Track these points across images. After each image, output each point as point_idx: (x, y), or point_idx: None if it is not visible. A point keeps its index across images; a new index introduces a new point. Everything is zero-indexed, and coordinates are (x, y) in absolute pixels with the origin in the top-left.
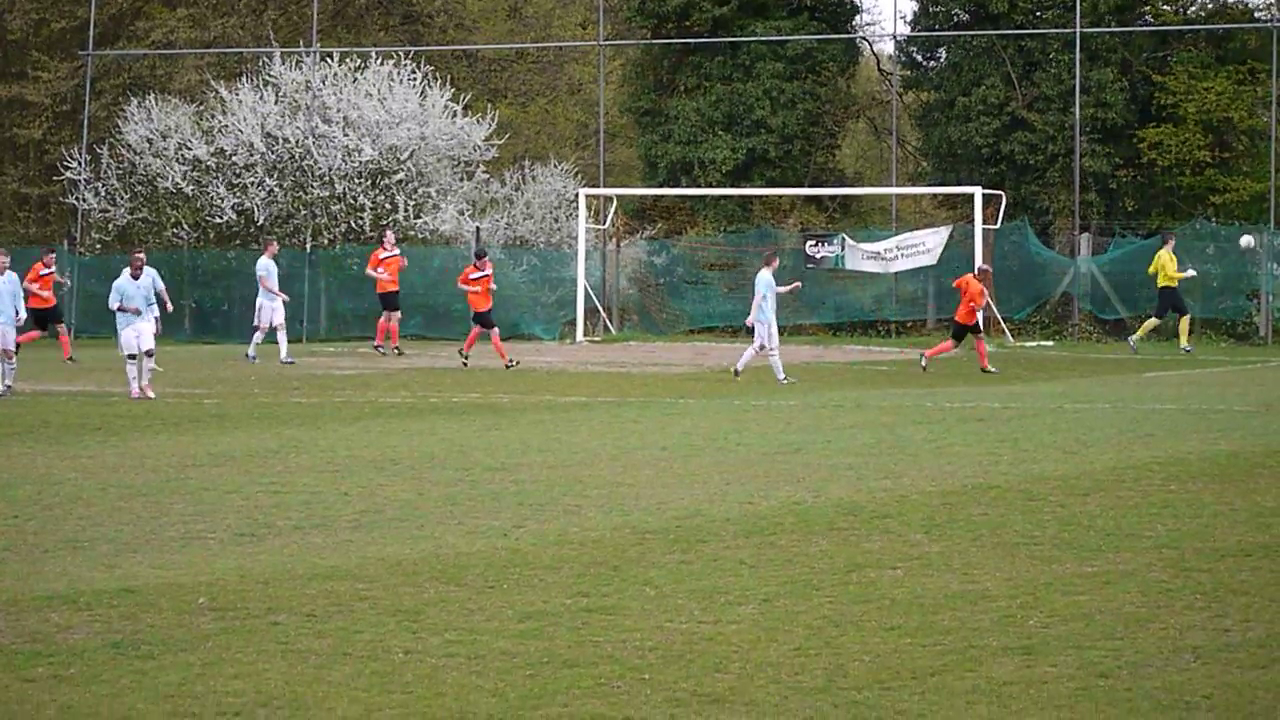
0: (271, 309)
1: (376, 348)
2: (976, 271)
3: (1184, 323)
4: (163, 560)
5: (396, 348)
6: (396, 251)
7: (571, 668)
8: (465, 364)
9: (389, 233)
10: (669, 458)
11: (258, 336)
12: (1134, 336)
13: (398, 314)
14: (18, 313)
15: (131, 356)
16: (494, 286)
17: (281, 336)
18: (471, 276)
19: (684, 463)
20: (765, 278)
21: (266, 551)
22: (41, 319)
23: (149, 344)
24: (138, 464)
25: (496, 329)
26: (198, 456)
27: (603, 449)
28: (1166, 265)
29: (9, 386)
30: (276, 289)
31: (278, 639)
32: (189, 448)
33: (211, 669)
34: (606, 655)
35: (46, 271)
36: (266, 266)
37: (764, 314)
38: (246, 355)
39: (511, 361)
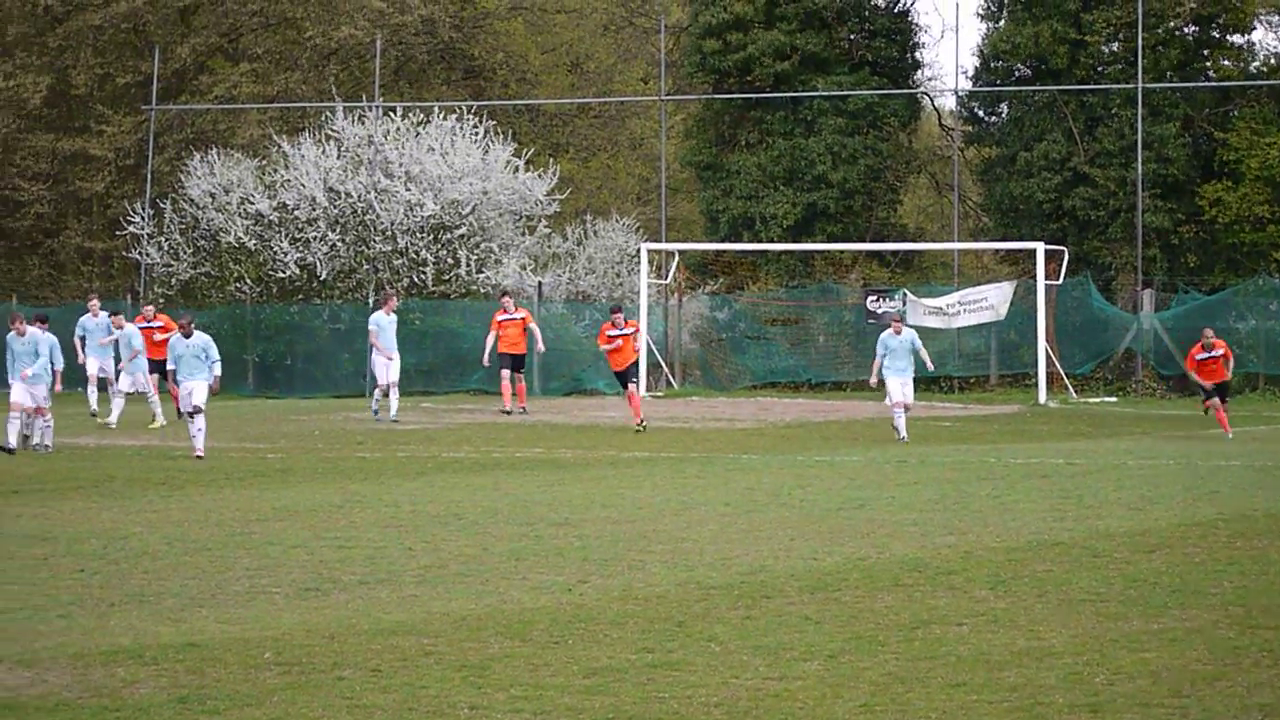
0: (385, 365)
1: (505, 411)
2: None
3: None
4: (228, 615)
5: (523, 408)
6: (520, 315)
7: None
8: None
9: (507, 298)
10: (732, 513)
11: (377, 393)
12: None
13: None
14: (54, 369)
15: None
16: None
17: (393, 394)
18: (609, 334)
19: (747, 518)
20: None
21: (331, 606)
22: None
23: (198, 401)
24: (202, 518)
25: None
26: (262, 511)
27: (666, 504)
28: None
29: (47, 446)
30: (385, 345)
31: (343, 694)
32: (253, 502)
33: None
34: (672, 711)
35: (146, 325)
36: (377, 321)
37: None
38: (371, 411)
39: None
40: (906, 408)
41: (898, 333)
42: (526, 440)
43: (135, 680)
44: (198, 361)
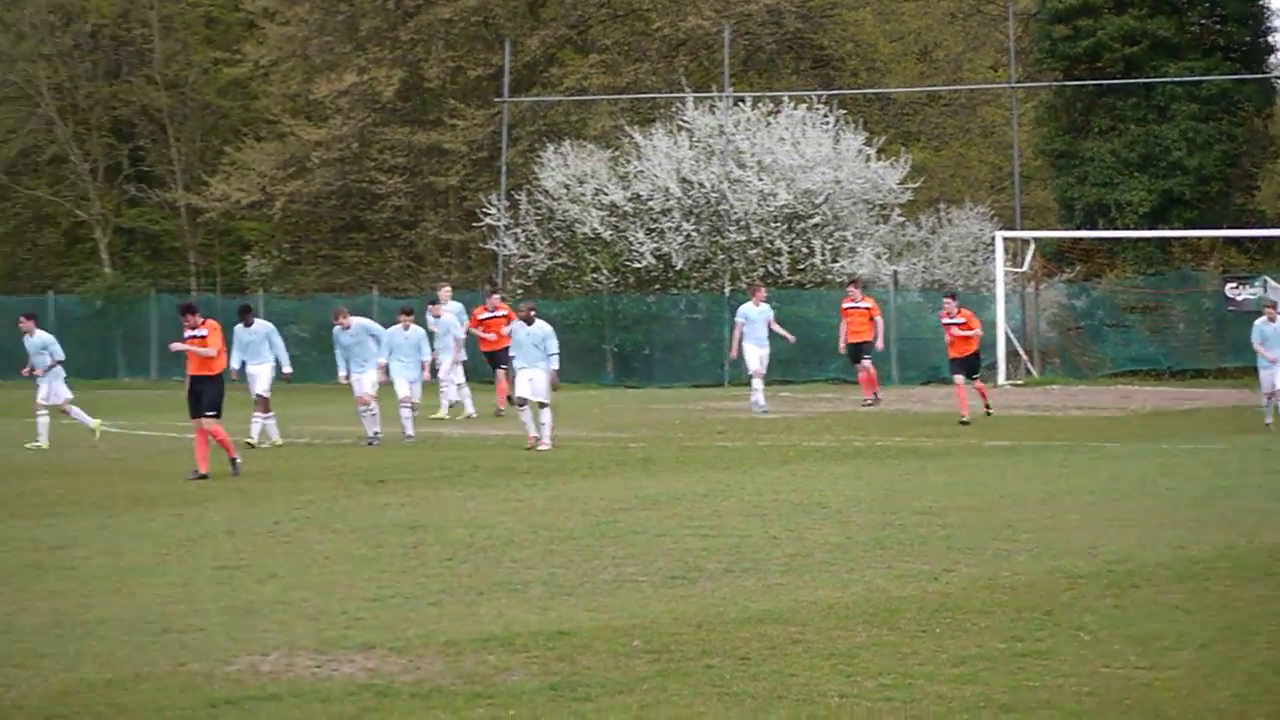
0: (757, 356)
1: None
2: None
3: None
4: (596, 603)
5: (871, 397)
6: (501, 312)
7: (1008, 713)
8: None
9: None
10: (1097, 501)
11: (756, 383)
12: None
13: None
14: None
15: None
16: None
17: (756, 384)
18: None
19: (1113, 506)
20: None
21: (698, 594)
22: (494, 360)
23: (541, 394)
24: (567, 507)
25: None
26: (626, 500)
27: (1029, 493)
28: None
29: (376, 433)
30: (753, 336)
31: (712, 681)
32: (617, 491)
33: (648, 711)
34: (1043, 701)
35: (487, 315)
36: (744, 313)
37: None
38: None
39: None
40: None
41: (1271, 320)
42: (886, 429)
43: (506, 667)
44: (536, 351)
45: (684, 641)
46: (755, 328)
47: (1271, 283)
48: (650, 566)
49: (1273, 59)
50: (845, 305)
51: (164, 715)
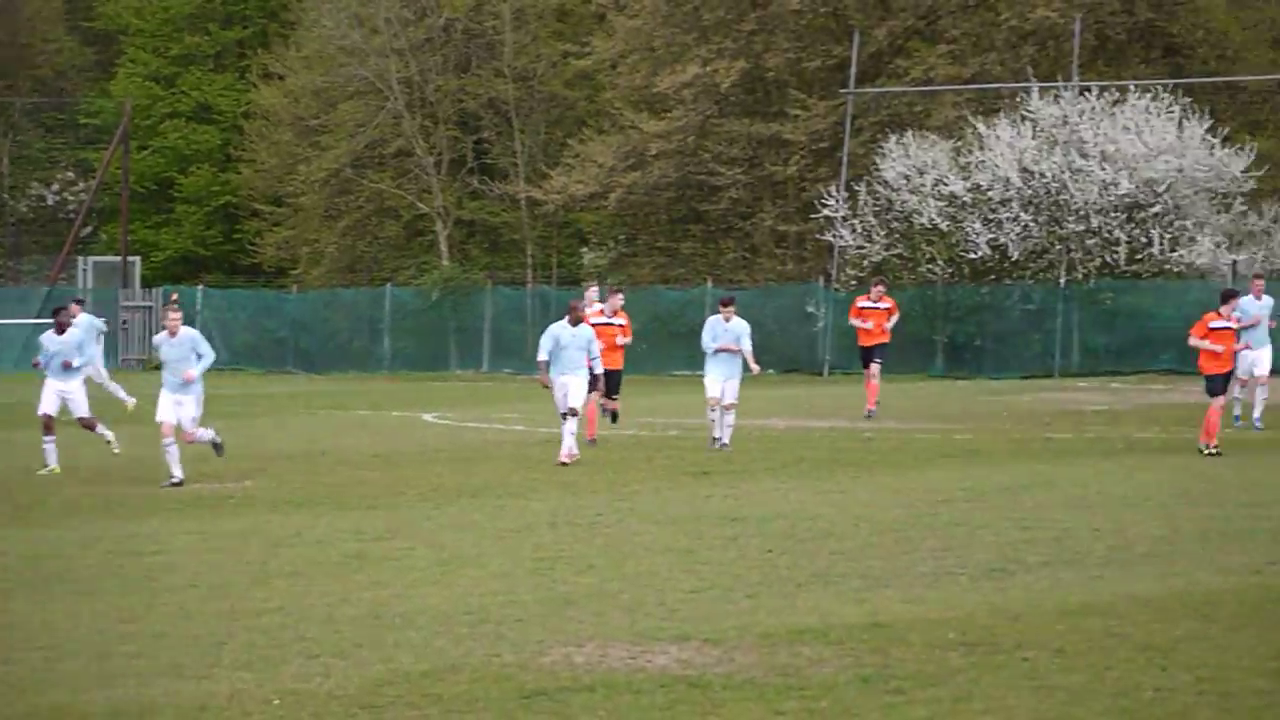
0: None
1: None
2: None
3: None
4: (913, 595)
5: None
6: (885, 304)
7: None
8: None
9: (879, 287)
10: None
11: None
12: None
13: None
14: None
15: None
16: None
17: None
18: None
19: None
20: None
21: (1016, 587)
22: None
23: (575, 402)
24: (890, 499)
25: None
26: (949, 492)
27: None
28: None
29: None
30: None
31: (1027, 674)
32: (940, 483)
33: (960, 704)
34: None
35: (867, 304)
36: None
37: None
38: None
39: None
40: None
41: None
42: None
43: (820, 659)
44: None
45: (999, 634)
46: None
47: None
48: (969, 559)
49: None
50: (862, 305)
51: (477, 706)
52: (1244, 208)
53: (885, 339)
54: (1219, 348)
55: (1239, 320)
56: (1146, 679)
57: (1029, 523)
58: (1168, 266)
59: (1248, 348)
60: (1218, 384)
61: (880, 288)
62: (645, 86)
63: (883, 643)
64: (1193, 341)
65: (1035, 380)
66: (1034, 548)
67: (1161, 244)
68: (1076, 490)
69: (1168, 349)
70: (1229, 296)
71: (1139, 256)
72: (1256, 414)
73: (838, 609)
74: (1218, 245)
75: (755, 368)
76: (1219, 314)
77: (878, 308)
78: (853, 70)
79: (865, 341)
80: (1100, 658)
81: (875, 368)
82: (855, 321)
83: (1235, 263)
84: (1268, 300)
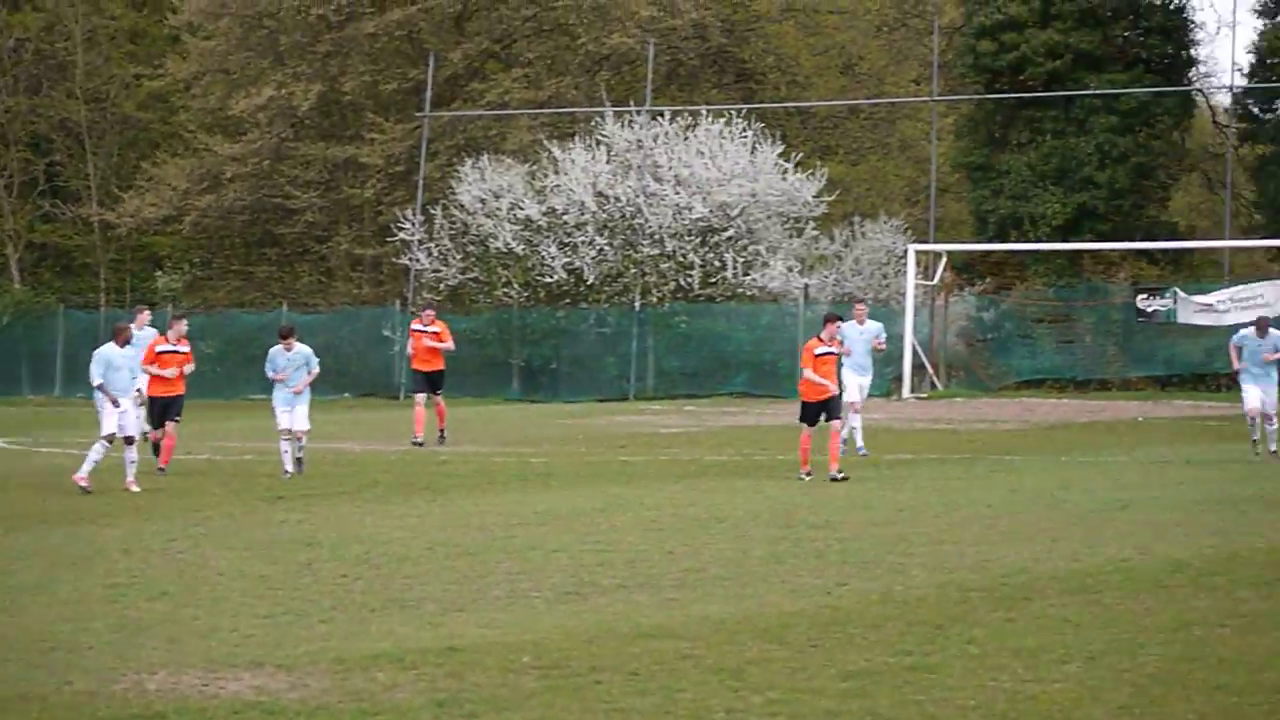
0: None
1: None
2: None
3: None
4: (488, 619)
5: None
6: (435, 328)
7: None
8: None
9: (428, 311)
10: (994, 515)
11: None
12: None
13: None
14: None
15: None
16: None
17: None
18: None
19: (1009, 520)
20: None
21: (590, 610)
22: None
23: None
24: (464, 523)
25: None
26: (524, 515)
27: (927, 506)
28: None
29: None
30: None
31: (601, 698)
32: (515, 506)
33: None
34: (928, 715)
35: (420, 328)
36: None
37: None
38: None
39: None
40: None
41: (1262, 334)
42: (788, 443)
43: (394, 684)
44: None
45: (574, 657)
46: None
47: (1181, 294)
48: (544, 582)
49: (1193, 72)
50: (415, 327)
51: None
52: (815, 232)
53: (441, 365)
54: (828, 382)
55: (842, 345)
56: (718, 701)
57: (603, 546)
58: (741, 290)
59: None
60: (811, 412)
61: (430, 311)
62: (220, 109)
63: (458, 667)
64: (807, 373)
65: (611, 403)
66: (608, 570)
67: (735, 267)
68: (651, 513)
69: (741, 371)
70: (830, 320)
71: (713, 280)
72: (858, 442)
73: (413, 634)
74: (790, 269)
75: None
76: (820, 340)
77: (427, 330)
78: (428, 93)
79: (418, 367)
80: (673, 680)
81: (423, 397)
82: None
83: (807, 286)
84: (870, 326)
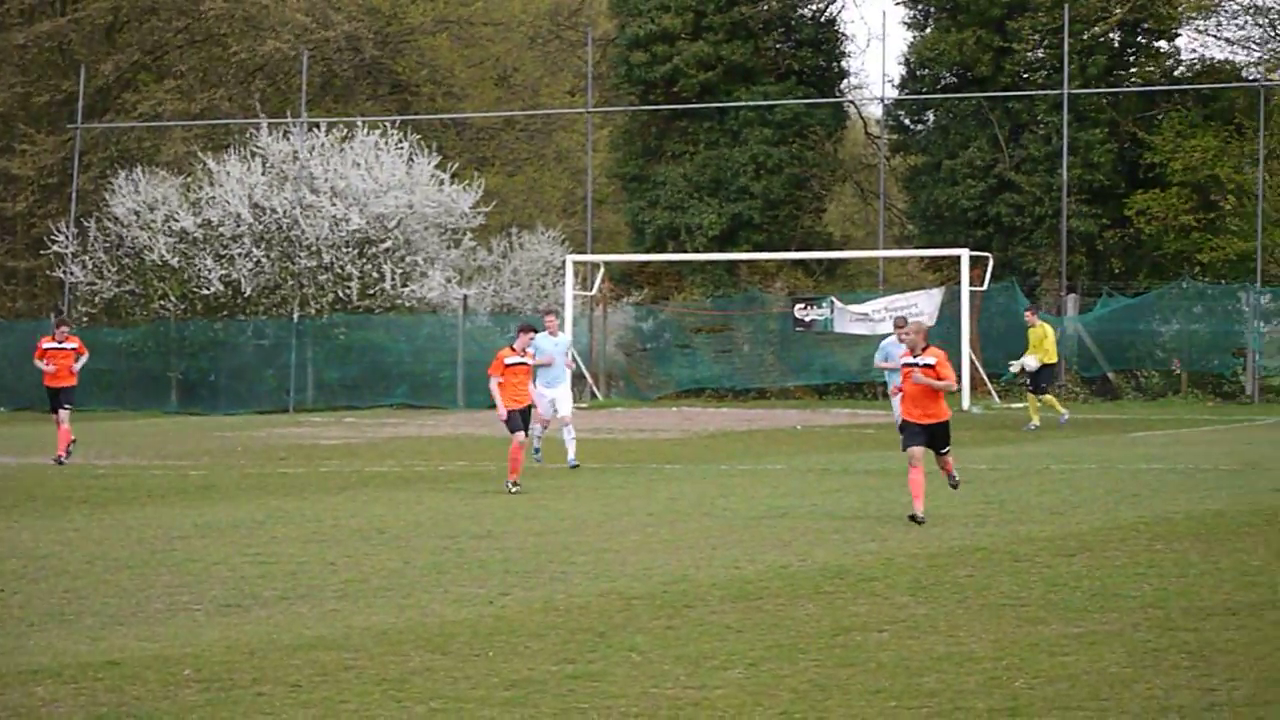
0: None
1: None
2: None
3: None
4: (148, 633)
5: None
6: (71, 345)
7: None
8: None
9: (63, 327)
10: (655, 523)
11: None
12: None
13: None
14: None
15: None
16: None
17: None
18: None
19: (670, 528)
20: None
21: (252, 622)
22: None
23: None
24: (124, 536)
25: None
26: (183, 528)
27: (589, 515)
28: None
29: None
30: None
31: (263, 710)
32: (175, 519)
33: None
34: None
35: (53, 346)
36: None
37: None
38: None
39: None
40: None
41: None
42: (450, 454)
43: (54, 699)
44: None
45: (236, 669)
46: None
47: (838, 303)
48: (205, 595)
49: (845, 84)
50: (46, 345)
51: None
52: (474, 243)
53: (72, 381)
54: (500, 406)
55: (534, 356)
56: (382, 711)
57: (265, 558)
58: (400, 301)
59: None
60: (515, 420)
61: (64, 328)
62: None
63: (118, 681)
64: (493, 384)
65: (271, 415)
66: (270, 582)
67: (393, 279)
68: (312, 524)
69: (402, 383)
70: (524, 330)
71: (371, 291)
72: (570, 454)
73: (72, 648)
74: (449, 280)
75: None
76: (513, 349)
77: (63, 348)
78: (80, 105)
79: (50, 383)
80: (335, 691)
81: (64, 413)
82: (40, 364)
83: (466, 297)
84: (563, 338)
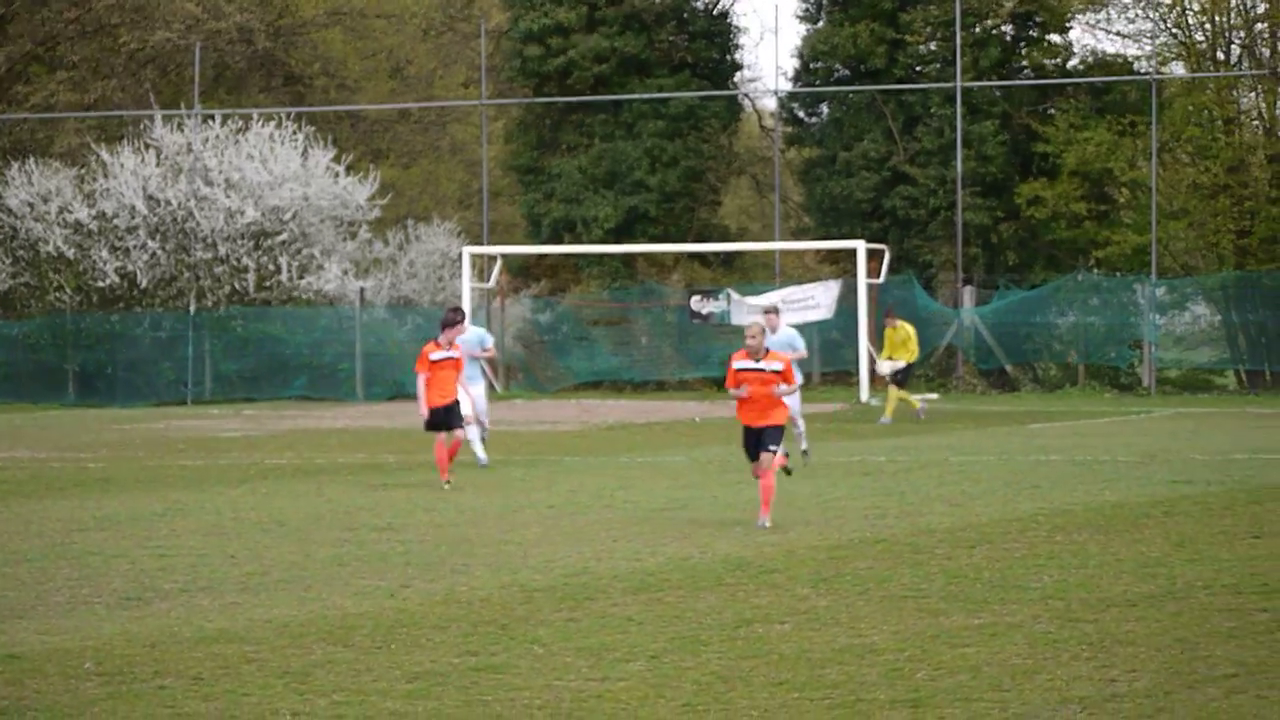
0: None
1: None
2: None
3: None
4: (48, 626)
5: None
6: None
7: None
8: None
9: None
10: (556, 515)
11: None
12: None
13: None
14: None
15: None
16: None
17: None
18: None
19: (571, 520)
20: None
21: (153, 615)
22: None
23: None
24: (22, 529)
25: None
26: (83, 521)
27: (489, 508)
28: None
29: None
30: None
31: (164, 703)
32: (74, 512)
33: None
34: (495, 715)
35: None
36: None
37: None
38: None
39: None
40: None
41: (774, 331)
42: (350, 446)
43: None
44: None
45: (137, 662)
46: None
47: (735, 295)
48: (105, 588)
49: (739, 76)
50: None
51: None
52: (370, 235)
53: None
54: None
55: (461, 350)
56: (284, 704)
57: (164, 550)
58: (297, 293)
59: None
60: (438, 417)
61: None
62: None
63: (18, 675)
64: (420, 381)
65: (169, 408)
66: (170, 575)
67: (290, 271)
68: (211, 517)
69: (300, 375)
70: (450, 323)
71: (268, 283)
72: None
73: None
74: (345, 272)
75: None
76: (438, 344)
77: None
78: None
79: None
80: (237, 684)
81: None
82: None
83: (363, 289)
84: (473, 332)
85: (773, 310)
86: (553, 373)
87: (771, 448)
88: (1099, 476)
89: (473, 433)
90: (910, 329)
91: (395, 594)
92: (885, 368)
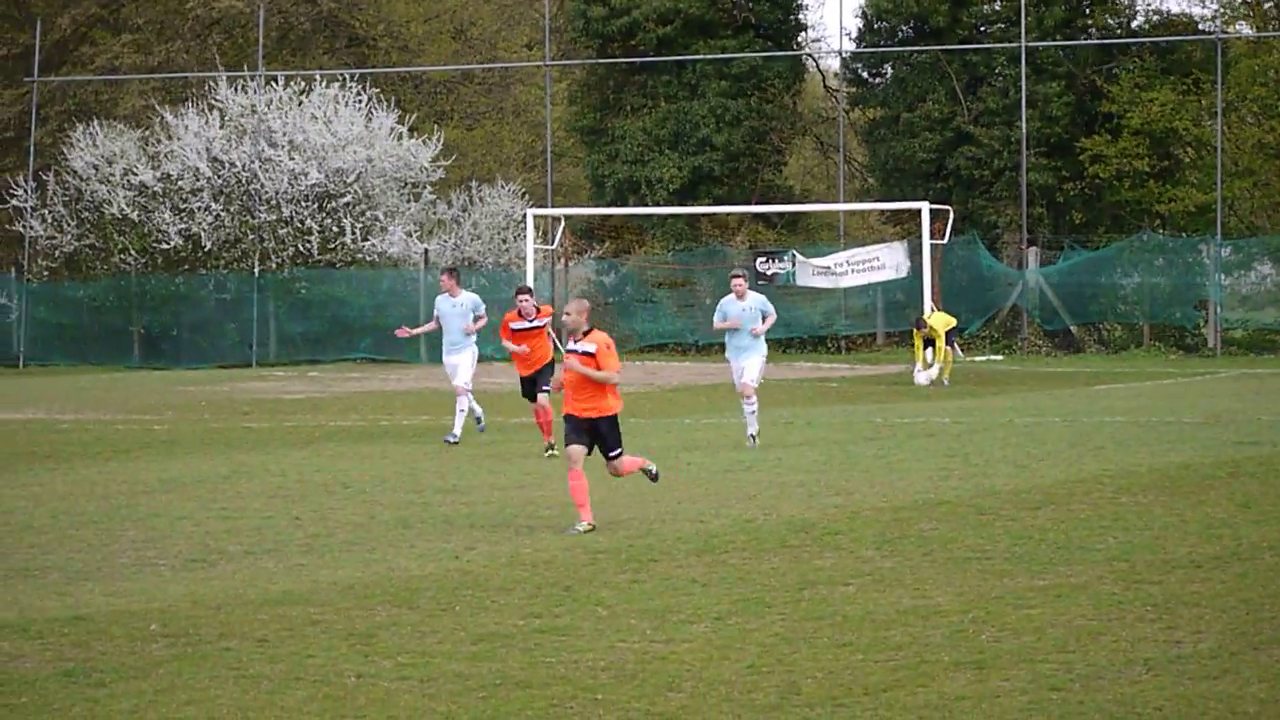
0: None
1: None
2: None
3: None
4: (114, 588)
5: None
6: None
7: (524, 689)
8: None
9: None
10: (619, 478)
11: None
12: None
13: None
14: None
15: None
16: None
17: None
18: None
19: (635, 482)
20: None
21: (218, 577)
22: None
23: None
24: (88, 491)
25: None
26: (149, 483)
27: (553, 470)
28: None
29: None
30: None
31: (229, 665)
32: (140, 474)
33: (164, 696)
34: (559, 676)
35: None
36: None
37: None
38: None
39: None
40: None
41: (740, 297)
42: (414, 408)
43: (20, 654)
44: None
45: (202, 624)
46: (449, 323)
47: (800, 257)
48: (170, 550)
49: (802, 37)
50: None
51: None
52: (433, 197)
53: None
54: (522, 348)
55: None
56: (349, 665)
57: (230, 512)
58: (360, 255)
59: None
60: (527, 385)
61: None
62: None
63: (84, 636)
64: (506, 345)
65: (233, 370)
66: (235, 537)
67: (354, 233)
68: (276, 479)
69: (364, 336)
70: (519, 292)
71: (331, 246)
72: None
73: (38, 603)
74: (409, 234)
75: None
76: (519, 315)
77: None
78: (36, 58)
79: None
80: (302, 645)
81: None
82: None
83: (427, 251)
84: (465, 298)
85: (739, 275)
86: (617, 335)
87: (613, 454)
88: (1164, 438)
89: (462, 403)
90: (938, 320)
91: (460, 556)
92: (922, 378)
